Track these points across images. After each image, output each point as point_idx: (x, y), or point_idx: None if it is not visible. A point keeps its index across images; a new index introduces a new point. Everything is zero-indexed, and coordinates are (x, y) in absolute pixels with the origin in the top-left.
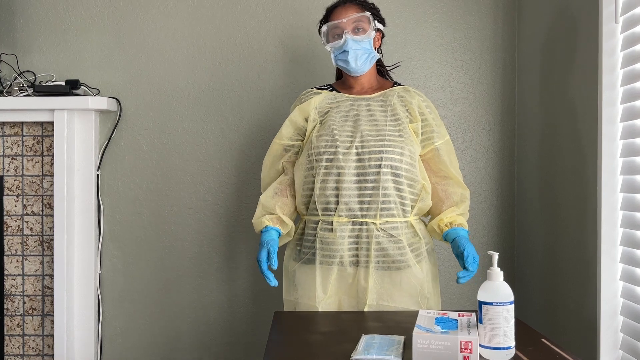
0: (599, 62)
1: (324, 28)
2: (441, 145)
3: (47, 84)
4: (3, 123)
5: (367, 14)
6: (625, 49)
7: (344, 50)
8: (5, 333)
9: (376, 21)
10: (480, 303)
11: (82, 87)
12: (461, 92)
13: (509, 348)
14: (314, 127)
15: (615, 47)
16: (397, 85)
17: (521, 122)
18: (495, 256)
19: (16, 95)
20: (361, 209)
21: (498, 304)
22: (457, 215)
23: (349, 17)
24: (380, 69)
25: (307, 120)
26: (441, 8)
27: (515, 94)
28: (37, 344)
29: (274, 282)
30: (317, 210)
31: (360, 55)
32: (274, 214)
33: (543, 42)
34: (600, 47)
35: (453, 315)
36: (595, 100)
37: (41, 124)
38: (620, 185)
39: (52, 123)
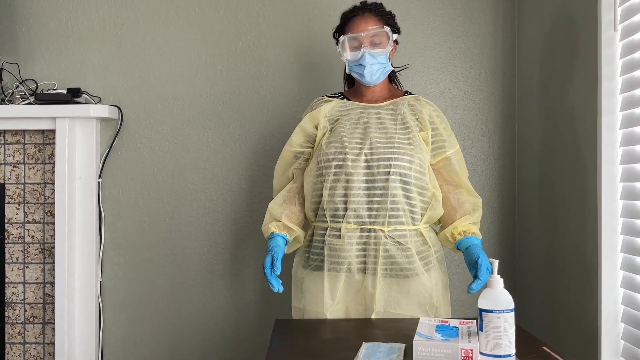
0: (598, 70)
1: (342, 38)
2: (452, 155)
3: (49, 92)
4: (5, 131)
5: (387, 29)
6: (624, 56)
7: (361, 64)
8: (6, 341)
9: (394, 34)
10: (481, 310)
11: (84, 95)
12: (461, 99)
13: (509, 356)
14: (324, 134)
15: (614, 54)
16: (408, 94)
17: (521, 129)
18: (496, 263)
19: (18, 104)
20: (369, 216)
21: (498, 311)
22: (470, 224)
23: (368, 31)
24: (390, 74)
25: (317, 128)
26: (441, 16)
27: (515, 101)
28: (38, 352)
29: (277, 288)
30: (325, 217)
31: (376, 70)
32: (280, 221)
33: (542, 49)
34: (599, 54)
35: (454, 322)
36: (595, 107)
37: (43, 132)
38: (620, 192)
39: (53, 131)
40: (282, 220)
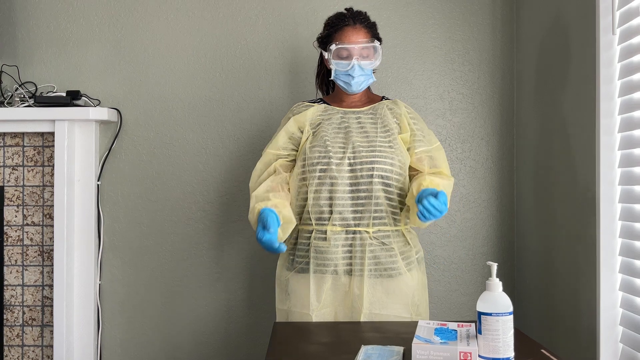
0: (596, 73)
1: (333, 47)
2: (431, 150)
3: (48, 94)
4: (4, 134)
5: (377, 43)
6: (622, 60)
7: (349, 75)
8: (4, 343)
9: (380, 46)
10: (479, 313)
11: (83, 97)
12: (460, 102)
13: (508, 359)
14: (307, 138)
15: (612, 58)
16: (386, 99)
17: (520, 132)
18: (494, 267)
19: (17, 106)
20: (354, 218)
21: (497, 314)
22: (444, 182)
23: (359, 43)
24: None
25: (301, 131)
26: (440, 20)
27: (514, 105)
28: (36, 355)
29: (282, 248)
30: (310, 220)
31: (362, 81)
32: (268, 201)
33: (541, 52)
34: (597, 58)
35: (452, 325)
36: (593, 110)
37: (42, 134)
38: (618, 196)
39: (52, 134)
40: (270, 200)
